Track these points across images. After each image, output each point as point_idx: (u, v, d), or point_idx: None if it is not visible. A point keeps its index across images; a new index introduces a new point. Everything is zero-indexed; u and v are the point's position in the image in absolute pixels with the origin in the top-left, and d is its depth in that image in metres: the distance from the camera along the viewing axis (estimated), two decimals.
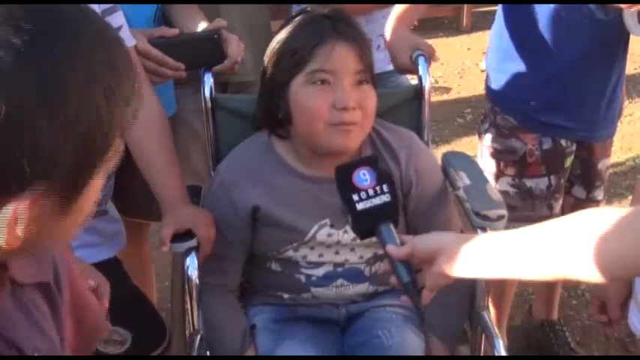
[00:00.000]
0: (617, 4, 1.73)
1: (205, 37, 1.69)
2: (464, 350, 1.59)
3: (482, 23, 5.43)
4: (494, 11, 1.99)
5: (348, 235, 1.48)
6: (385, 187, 1.16)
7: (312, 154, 1.47)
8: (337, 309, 1.57)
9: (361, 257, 1.52)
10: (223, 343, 1.50)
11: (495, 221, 1.46)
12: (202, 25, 1.76)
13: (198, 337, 1.47)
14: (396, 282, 1.13)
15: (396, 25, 1.76)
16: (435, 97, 4.34)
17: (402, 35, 1.74)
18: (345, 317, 1.57)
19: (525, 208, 1.96)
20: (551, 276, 0.98)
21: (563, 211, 1.99)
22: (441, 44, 5.25)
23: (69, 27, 0.65)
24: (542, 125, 1.92)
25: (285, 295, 1.56)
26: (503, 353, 1.43)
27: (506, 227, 1.39)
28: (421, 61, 1.68)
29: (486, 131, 2.02)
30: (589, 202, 2.05)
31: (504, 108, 1.97)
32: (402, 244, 1.12)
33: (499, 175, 1.99)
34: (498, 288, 2.11)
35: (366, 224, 1.16)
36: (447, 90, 4.70)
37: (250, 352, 1.50)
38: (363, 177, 1.17)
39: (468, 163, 1.69)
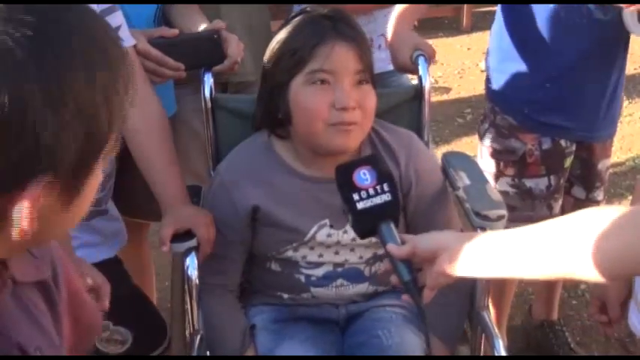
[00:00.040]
0: (616, 4, 1.73)
1: (205, 37, 1.69)
2: (464, 350, 1.59)
3: (483, 23, 5.44)
4: (494, 11, 1.99)
5: (347, 235, 1.48)
6: (386, 186, 1.16)
7: (312, 154, 1.47)
8: (337, 309, 1.57)
9: (361, 257, 1.52)
10: (223, 343, 1.50)
11: (495, 221, 1.46)
12: (202, 26, 1.76)
13: (198, 337, 1.47)
14: (396, 281, 1.13)
15: (398, 24, 1.76)
16: (435, 97, 4.35)
17: (403, 34, 1.74)
18: (344, 317, 1.57)
19: (525, 208, 1.97)
20: (552, 275, 0.98)
21: (563, 212, 1.99)
22: (441, 44, 5.25)
23: (68, 26, 0.66)
24: (541, 125, 1.92)
25: (285, 295, 1.56)
26: (503, 353, 1.43)
27: (506, 227, 1.39)
28: (421, 61, 1.67)
29: (486, 131, 2.02)
30: (589, 202, 2.05)
31: (504, 108, 1.97)
32: (403, 243, 1.12)
33: (499, 175, 1.99)
34: (498, 288, 2.11)
35: (367, 223, 1.16)
36: (447, 90, 4.70)
37: (250, 352, 1.50)
38: (364, 176, 1.17)
39: (468, 163, 1.69)
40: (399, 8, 1.79)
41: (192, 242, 1.44)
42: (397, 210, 1.18)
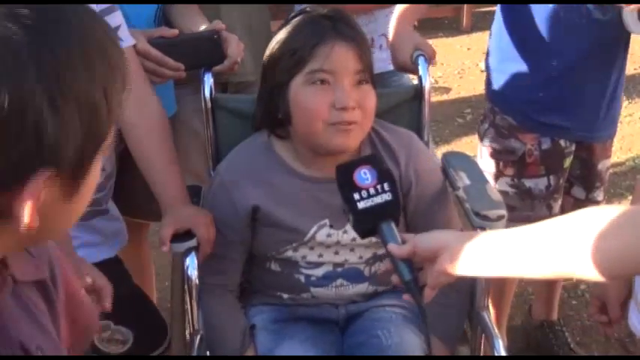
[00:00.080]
0: (616, 4, 1.73)
1: (205, 37, 1.69)
2: (464, 350, 1.59)
3: (482, 23, 5.44)
4: (494, 11, 1.99)
5: (347, 235, 1.48)
6: (386, 186, 1.16)
7: (312, 154, 1.47)
8: (337, 309, 1.57)
9: (361, 257, 1.52)
10: (223, 343, 1.50)
11: (495, 221, 1.46)
12: (202, 26, 1.76)
13: (198, 337, 1.47)
14: (397, 280, 1.13)
15: (399, 23, 1.76)
16: (435, 97, 4.35)
17: (404, 33, 1.74)
18: (344, 317, 1.57)
19: (524, 208, 1.97)
20: (552, 274, 0.98)
21: (563, 212, 1.99)
22: (440, 44, 5.25)
23: (67, 25, 0.66)
24: (541, 125, 1.92)
25: (285, 295, 1.56)
26: (503, 353, 1.43)
27: (506, 227, 1.39)
28: (421, 61, 1.67)
29: (486, 131, 2.02)
30: (588, 202, 2.05)
31: (504, 108, 1.97)
32: (404, 242, 1.12)
33: (498, 175, 1.99)
34: (498, 288, 2.11)
35: (368, 223, 1.16)
36: (447, 90, 4.70)
37: (250, 352, 1.50)
38: (364, 176, 1.17)
39: (468, 163, 1.69)
40: (400, 8, 1.80)
41: (192, 242, 1.44)
42: (398, 209, 1.18)
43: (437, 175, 1.59)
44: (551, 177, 1.96)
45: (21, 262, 0.78)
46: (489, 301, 1.58)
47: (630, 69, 4.07)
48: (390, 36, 1.77)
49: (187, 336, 1.51)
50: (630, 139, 3.91)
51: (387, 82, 2.10)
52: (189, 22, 1.78)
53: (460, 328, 1.59)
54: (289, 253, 1.50)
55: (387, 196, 1.15)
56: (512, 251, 0.99)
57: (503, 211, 1.49)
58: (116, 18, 1.49)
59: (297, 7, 1.74)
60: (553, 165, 1.96)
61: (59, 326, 0.87)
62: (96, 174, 0.73)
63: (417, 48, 1.69)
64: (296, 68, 1.40)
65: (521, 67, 1.91)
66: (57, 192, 0.68)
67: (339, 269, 1.52)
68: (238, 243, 1.51)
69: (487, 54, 2.06)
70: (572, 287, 2.70)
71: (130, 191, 1.76)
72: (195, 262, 1.44)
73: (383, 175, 1.17)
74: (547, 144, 1.93)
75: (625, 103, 4.12)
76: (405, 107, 1.71)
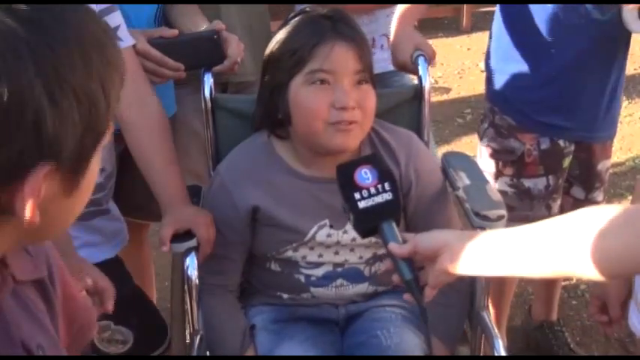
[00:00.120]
0: (615, 3, 1.73)
1: (205, 37, 1.69)
2: (464, 350, 1.59)
3: (482, 24, 5.44)
4: (494, 11, 1.99)
5: (347, 235, 1.48)
6: (387, 186, 1.16)
7: (312, 154, 1.47)
8: (337, 309, 1.58)
9: (361, 257, 1.52)
10: (223, 344, 1.50)
11: (495, 221, 1.46)
12: (202, 26, 1.76)
13: (198, 337, 1.47)
14: (398, 280, 1.13)
15: (400, 23, 1.76)
16: (435, 98, 4.35)
17: (406, 33, 1.74)
18: (344, 317, 1.57)
19: (523, 208, 1.97)
20: (552, 273, 0.98)
21: (562, 212, 1.99)
22: (440, 44, 5.25)
23: (64, 20, 0.67)
24: (540, 125, 1.92)
25: (285, 295, 1.56)
26: (503, 353, 1.43)
27: (505, 227, 1.39)
28: (421, 61, 1.67)
29: (485, 131, 2.02)
30: (588, 203, 2.05)
31: (503, 108, 1.97)
32: (404, 242, 1.12)
33: (497, 175, 1.99)
34: (498, 288, 2.12)
35: (368, 222, 1.16)
36: (447, 90, 4.71)
37: (250, 353, 1.50)
38: (365, 175, 1.17)
39: (468, 163, 1.69)
40: (401, 8, 1.80)
41: (192, 242, 1.44)
42: (398, 209, 1.18)
43: (437, 175, 1.59)
44: (550, 177, 1.96)
45: (20, 262, 0.78)
46: (489, 301, 1.58)
47: (630, 69, 4.08)
48: (391, 35, 1.77)
49: (187, 336, 1.51)
50: (630, 139, 3.91)
51: (388, 82, 2.10)
52: (189, 22, 1.78)
53: (460, 329, 1.59)
54: (289, 253, 1.50)
55: (387, 196, 1.15)
56: (513, 250, 0.99)
57: (503, 211, 1.49)
58: (116, 18, 1.49)
59: (298, 7, 1.74)
60: (552, 165, 1.96)
61: (58, 325, 0.87)
62: (95, 170, 0.74)
63: (417, 48, 1.69)
64: (296, 68, 1.40)
65: (521, 67, 1.91)
66: (57, 187, 0.68)
67: (339, 269, 1.52)
68: (238, 243, 1.51)
69: (487, 54, 2.06)
70: (572, 287, 2.70)
71: (131, 191, 1.76)
72: (195, 262, 1.44)
73: (383, 175, 1.17)
74: (546, 144, 1.93)
75: (625, 103, 4.13)
76: (405, 107, 1.71)
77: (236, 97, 1.83)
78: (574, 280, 2.71)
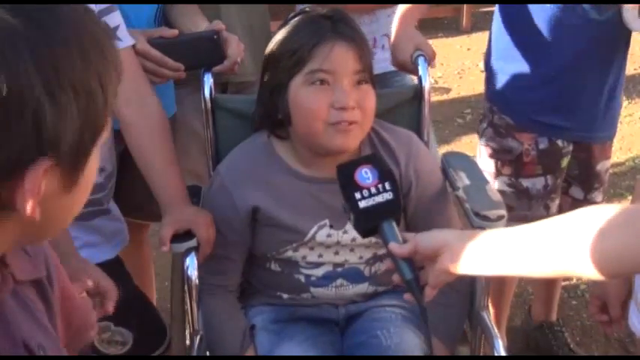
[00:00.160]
0: (614, 3, 1.73)
1: (205, 37, 1.69)
2: (464, 350, 1.59)
3: (482, 24, 5.44)
4: (494, 11, 1.99)
5: (347, 235, 1.48)
6: (387, 185, 1.16)
7: (312, 154, 1.47)
8: (337, 309, 1.58)
9: (361, 257, 1.52)
10: (223, 344, 1.50)
11: (495, 221, 1.46)
12: (202, 26, 1.76)
13: (198, 337, 1.47)
14: (398, 279, 1.13)
15: (401, 23, 1.76)
16: (435, 98, 4.35)
17: (406, 33, 1.74)
18: (344, 317, 1.57)
19: (522, 208, 1.97)
20: (552, 273, 0.98)
21: (561, 212, 1.99)
22: (440, 44, 5.25)
23: (61, 16, 0.67)
24: (538, 125, 1.92)
25: (285, 296, 1.56)
26: (503, 353, 1.43)
27: (504, 227, 1.39)
28: (421, 61, 1.67)
29: (484, 130, 2.03)
30: (587, 203, 2.05)
31: (502, 108, 1.97)
32: (405, 241, 1.12)
33: (496, 174, 1.99)
34: (497, 288, 2.12)
35: (369, 222, 1.16)
36: (447, 90, 4.71)
37: (250, 353, 1.50)
38: (365, 175, 1.17)
39: (468, 163, 1.69)
40: (402, 8, 1.80)
41: (192, 242, 1.44)
42: (399, 208, 1.18)
43: (437, 175, 1.59)
44: (549, 177, 1.97)
45: (19, 261, 0.78)
46: (489, 301, 1.58)
47: (630, 69, 4.08)
48: (392, 35, 1.77)
49: (187, 336, 1.51)
50: (630, 139, 3.91)
51: (389, 83, 2.10)
52: (189, 22, 1.78)
53: (460, 329, 1.59)
54: (289, 254, 1.50)
55: (388, 196, 1.15)
56: (513, 250, 0.99)
57: (503, 212, 1.49)
58: (115, 18, 1.48)
59: (299, 7, 1.74)
60: (550, 165, 1.96)
61: (56, 325, 0.87)
62: (94, 167, 0.74)
63: (417, 48, 1.69)
64: (295, 68, 1.40)
65: (519, 66, 1.91)
66: (57, 183, 0.69)
67: (339, 269, 1.52)
68: (238, 243, 1.51)
69: (486, 54, 2.06)
70: (572, 287, 2.70)
71: (131, 191, 1.76)
72: (195, 262, 1.44)
73: (384, 175, 1.17)
74: (544, 144, 1.93)
75: (625, 103, 4.12)
76: (405, 107, 1.71)
77: (236, 98, 1.83)
78: (574, 280, 2.71)
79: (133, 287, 1.66)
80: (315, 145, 1.43)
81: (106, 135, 0.73)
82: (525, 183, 1.97)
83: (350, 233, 1.47)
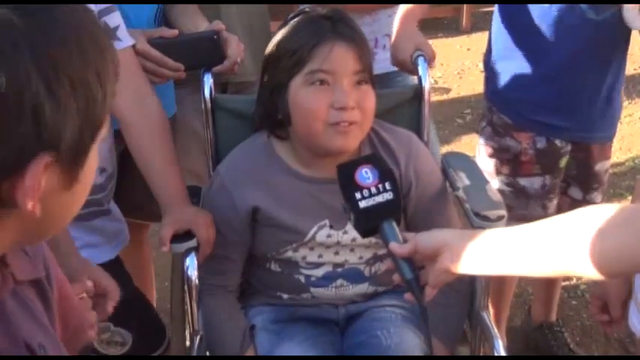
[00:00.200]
0: (613, 3, 1.73)
1: (205, 37, 1.69)
2: (464, 350, 1.59)
3: (482, 24, 5.44)
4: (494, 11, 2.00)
5: (347, 235, 1.48)
6: (388, 185, 1.16)
7: (311, 154, 1.47)
8: (336, 309, 1.58)
9: (361, 258, 1.52)
10: (223, 344, 1.50)
11: (495, 222, 1.46)
12: (202, 26, 1.76)
13: (198, 337, 1.47)
14: (398, 279, 1.13)
15: (403, 23, 1.76)
16: (435, 98, 4.35)
17: (407, 32, 1.74)
18: (344, 317, 1.57)
19: (519, 207, 1.97)
20: (553, 272, 0.98)
21: (560, 212, 1.99)
22: (440, 45, 5.25)
23: (58, 12, 0.68)
24: (536, 124, 1.93)
25: (285, 296, 1.56)
26: (503, 353, 1.43)
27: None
28: (421, 61, 1.67)
29: (483, 129, 2.03)
30: (586, 204, 2.04)
31: (500, 107, 1.98)
32: (405, 241, 1.12)
33: (494, 173, 1.99)
34: (497, 287, 2.12)
35: (369, 222, 1.16)
36: (447, 90, 4.71)
37: (250, 353, 1.50)
38: (366, 175, 1.17)
39: (468, 163, 1.69)
40: (403, 7, 1.80)
41: (192, 243, 1.44)
42: (399, 208, 1.18)
43: (437, 175, 1.59)
44: (547, 176, 1.97)
45: (19, 261, 0.78)
46: (489, 301, 1.58)
47: (630, 69, 4.07)
48: (393, 34, 1.77)
49: (187, 336, 1.51)
50: (630, 139, 3.91)
51: (391, 83, 2.10)
52: (189, 23, 1.78)
53: (460, 329, 1.59)
54: (289, 254, 1.50)
55: (388, 195, 1.15)
56: (513, 249, 0.99)
57: (503, 212, 1.49)
58: (115, 18, 1.48)
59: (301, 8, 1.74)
60: (548, 164, 1.96)
61: (55, 325, 0.87)
62: (93, 165, 0.74)
63: (417, 48, 1.69)
64: (295, 69, 1.40)
65: (517, 66, 1.91)
66: (57, 179, 0.69)
67: (339, 269, 1.52)
68: (238, 243, 1.51)
69: (485, 53, 2.07)
70: (572, 287, 2.70)
71: (131, 191, 1.76)
72: (195, 262, 1.44)
73: (384, 175, 1.17)
74: (542, 143, 1.93)
75: (625, 103, 4.12)
76: (405, 108, 1.71)
77: (236, 98, 1.83)
78: (574, 280, 2.71)
79: (133, 288, 1.65)
80: (315, 145, 1.43)
81: (104, 132, 0.73)
82: (523, 182, 1.97)
83: (350, 233, 1.47)
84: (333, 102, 1.37)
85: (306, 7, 1.49)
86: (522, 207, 1.97)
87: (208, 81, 1.66)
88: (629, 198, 3.17)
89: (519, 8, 1.86)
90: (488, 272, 1.08)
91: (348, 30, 1.42)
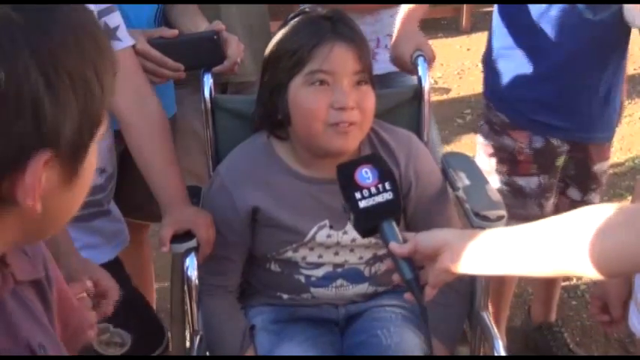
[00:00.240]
0: (612, 3, 1.73)
1: (205, 37, 1.69)
2: (464, 351, 1.59)
3: (482, 24, 5.44)
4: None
5: (347, 236, 1.48)
6: (387, 185, 1.16)
7: (311, 155, 1.46)
8: (336, 309, 1.57)
9: (361, 258, 1.52)
10: (223, 344, 1.50)
11: (495, 222, 1.46)
12: (202, 26, 1.75)
13: (198, 337, 1.47)
14: (398, 279, 1.13)
15: (405, 22, 1.76)
16: (435, 98, 4.35)
17: (407, 32, 1.74)
18: (344, 317, 1.57)
19: (516, 206, 1.96)
20: (553, 272, 0.98)
21: (558, 212, 1.99)
22: (440, 45, 5.25)
23: (55, 10, 0.68)
24: (533, 123, 1.93)
25: (285, 296, 1.56)
26: (503, 354, 1.43)
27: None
28: (420, 61, 1.67)
29: (481, 128, 2.04)
30: (584, 204, 2.03)
31: (498, 105, 1.98)
32: (405, 241, 1.12)
33: (492, 172, 1.99)
34: (497, 287, 2.11)
35: (369, 222, 1.16)
36: (447, 90, 4.71)
37: (250, 353, 1.50)
38: (365, 175, 1.17)
39: (468, 163, 1.69)
40: (405, 7, 1.80)
41: (192, 243, 1.44)
42: (399, 208, 1.18)
43: (437, 175, 1.59)
44: (543, 176, 1.97)
45: (19, 262, 0.78)
46: (489, 301, 1.58)
47: (630, 69, 4.07)
48: (394, 34, 1.77)
49: (187, 337, 1.50)
50: (630, 139, 3.90)
51: (393, 83, 2.10)
52: (189, 23, 1.78)
53: (460, 329, 1.59)
54: (289, 254, 1.50)
55: (388, 195, 1.15)
56: (513, 249, 0.99)
57: (503, 212, 1.49)
58: (115, 18, 1.48)
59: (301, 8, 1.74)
60: (545, 164, 1.96)
61: (55, 326, 0.87)
62: (92, 162, 0.74)
63: (417, 48, 1.69)
64: (295, 69, 1.40)
65: (516, 65, 1.92)
66: (57, 177, 0.69)
67: (339, 270, 1.52)
68: (238, 244, 1.51)
69: (485, 52, 2.07)
70: (572, 288, 2.70)
71: (131, 192, 1.76)
72: (195, 262, 1.44)
73: (384, 174, 1.17)
74: (539, 142, 1.94)
75: (625, 103, 4.11)
76: (405, 108, 1.71)
77: (236, 98, 1.83)
78: (574, 280, 2.71)
79: (132, 288, 1.65)
80: (315, 146, 1.43)
81: (103, 129, 0.73)
82: (520, 181, 1.97)
83: (350, 234, 1.47)
84: (333, 102, 1.37)
85: (306, 7, 1.49)
86: (519, 206, 1.97)
87: (208, 81, 1.66)
88: (629, 198, 3.17)
89: (519, 8, 1.86)
90: (488, 272, 1.08)
91: (347, 30, 1.42)
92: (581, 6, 1.76)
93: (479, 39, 5.38)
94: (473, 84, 4.67)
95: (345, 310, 1.57)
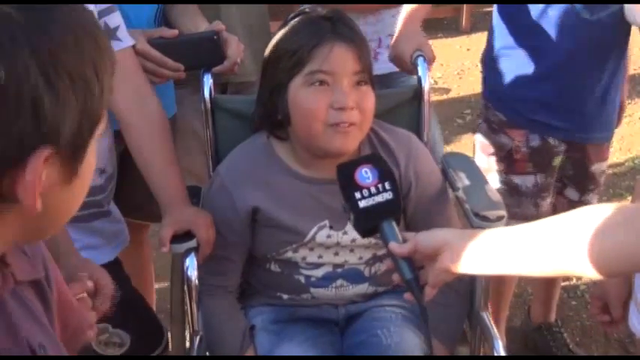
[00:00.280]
0: (611, 4, 1.73)
1: (205, 37, 1.69)
2: (463, 351, 1.59)
3: (482, 24, 5.44)
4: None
5: (347, 236, 1.48)
6: (387, 185, 1.16)
7: (311, 155, 1.46)
8: (336, 309, 1.58)
9: (361, 258, 1.52)
10: (223, 344, 1.50)
11: (494, 222, 1.46)
12: (202, 26, 1.76)
13: (198, 337, 1.47)
14: (398, 279, 1.13)
15: (405, 24, 1.76)
16: (435, 98, 4.35)
17: (408, 32, 1.74)
18: (344, 317, 1.57)
19: (512, 205, 1.97)
20: (552, 272, 0.99)
21: (556, 212, 1.99)
22: (440, 45, 5.25)
23: (59, 10, 0.69)
24: (530, 122, 1.93)
25: (285, 296, 1.56)
26: (503, 354, 1.44)
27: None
28: (420, 61, 1.67)
29: (479, 126, 2.04)
30: (582, 204, 2.03)
31: (496, 104, 1.99)
32: (405, 241, 1.12)
33: (489, 170, 1.99)
34: (497, 287, 2.11)
35: (369, 222, 1.16)
36: (447, 91, 4.71)
37: (250, 353, 1.50)
38: (365, 175, 1.17)
39: (467, 163, 1.69)
40: (407, 7, 1.80)
41: (192, 243, 1.44)
42: (399, 208, 1.18)
43: (436, 176, 1.59)
44: (540, 175, 1.97)
45: (19, 262, 0.79)
46: (488, 301, 1.58)
47: (630, 69, 4.06)
48: (395, 34, 1.77)
49: (187, 337, 1.50)
50: (630, 139, 3.90)
51: (394, 83, 2.10)
52: (189, 23, 1.78)
53: (459, 329, 1.59)
54: (289, 254, 1.50)
55: (388, 195, 1.15)
56: (513, 249, 0.99)
57: (503, 212, 1.49)
58: (115, 19, 1.48)
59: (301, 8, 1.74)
60: (542, 163, 1.96)
61: (54, 326, 0.87)
62: (92, 160, 0.74)
63: (417, 48, 1.69)
64: (295, 69, 1.40)
65: (515, 65, 1.92)
66: (57, 174, 0.69)
67: (339, 270, 1.52)
68: (238, 244, 1.51)
69: (484, 51, 2.07)
70: (572, 288, 2.70)
71: (131, 192, 1.76)
72: (195, 262, 1.44)
73: (384, 174, 1.17)
74: (536, 141, 1.94)
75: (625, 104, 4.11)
76: (405, 108, 1.71)
77: (236, 98, 1.84)
78: (574, 281, 2.71)
79: (131, 289, 1.65)
80: (314, 146, 1.43)
81: (102, 127, 0.73)
82: (516, 180, 1.97)
83: (350, 234, 1.47)
84: (333, 102, 1.37)
85: (306, 7, 1.49)
86: (515, 205, 1.97)
87: (208, 81, 1.66)
88: (629, 198, 3.17)
89: (518, 8, 1.86)
90: (488, 272, 1.08)
91: (347, 30, 1.42)
92: (578, 6, 1.76)
93: (479, 39, 5.38)
94: (473, 84, 4.67)
95: (345, 310, 1.57)
